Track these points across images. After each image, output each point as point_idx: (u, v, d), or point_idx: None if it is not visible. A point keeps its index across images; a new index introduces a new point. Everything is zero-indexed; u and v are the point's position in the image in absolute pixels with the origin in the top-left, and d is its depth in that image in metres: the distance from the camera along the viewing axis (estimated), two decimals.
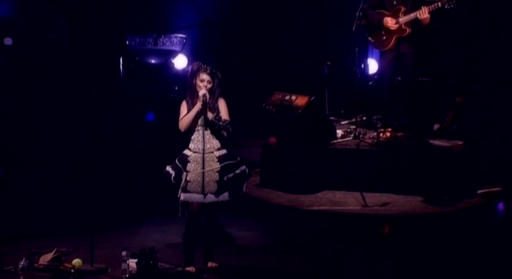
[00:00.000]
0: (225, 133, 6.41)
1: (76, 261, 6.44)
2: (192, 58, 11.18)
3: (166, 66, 11.43)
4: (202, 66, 6.45)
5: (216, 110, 6.41)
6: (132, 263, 6.24)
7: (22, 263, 6.37)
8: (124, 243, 6.91)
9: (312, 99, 8.95)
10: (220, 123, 6.33)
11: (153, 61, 11.40)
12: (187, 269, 6.38)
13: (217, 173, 6.38)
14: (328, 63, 10.80)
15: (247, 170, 6.48)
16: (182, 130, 6.43)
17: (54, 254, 6.47)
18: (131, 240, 7.25)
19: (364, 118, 10.00)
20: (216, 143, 6.45)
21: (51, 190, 8.96)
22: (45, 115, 10.88)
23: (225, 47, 11.79)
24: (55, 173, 9.52)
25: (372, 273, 6.39)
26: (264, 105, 9.14)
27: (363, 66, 10.05)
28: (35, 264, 6.40)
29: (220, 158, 6.41)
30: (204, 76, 6.41)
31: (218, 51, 11.53)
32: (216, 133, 6.42)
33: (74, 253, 6.74)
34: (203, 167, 6.38)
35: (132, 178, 9.39)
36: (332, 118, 10.04)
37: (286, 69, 11.70)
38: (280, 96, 9.11)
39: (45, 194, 8.84)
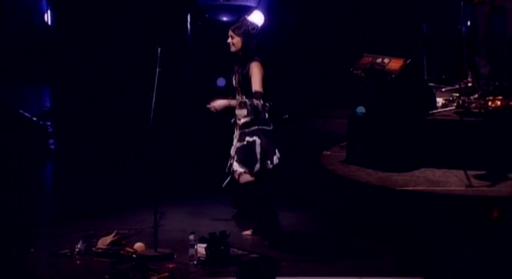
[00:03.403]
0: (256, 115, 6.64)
1: (138, 246, 6.53)
2: (269, 15, 11.14)
3: None
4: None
5: (244, 77, 6.59)
6: (201, 248, 6.29)
7: (79, 246, 6.48)
8: (192, 226, 6.97)
9: (407, 62, 8.82)
10: (249, 108, 6.57)
11: (224, 18, 11.41)
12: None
13: (237, 142, 6.73)
14: (428, 19, 10.61)
15: (257, 141, 6.60)
16: None
17: (113, 236, 6.56)
18: (200, 223, 7.31)
19: (470, 84, 9.81)
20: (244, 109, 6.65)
21: (111, 164, 9.12)
22: (103, 80, 11.07)
23: (309, 2, 11.70)
24: (115, 143, 9.68)
25: (477, 265, 6.29)
26: (351, 69, 9.06)
27: (469, 22, 9.83)
28: (93, 248, 6.51)
29: (242, 126, 6.68)
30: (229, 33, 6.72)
31: (301, 7, 11.46)
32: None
33: (136, 236, 6.85)
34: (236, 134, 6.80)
35: (202, 151, 9.46)
36: (431, 84, 9.88)
37: (377, 27, 11.54)
38: (370, 59, 9.00)
39: (105, 169, 9.00)
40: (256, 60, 6.62)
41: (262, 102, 6.55)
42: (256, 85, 6.57)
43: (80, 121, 10.58)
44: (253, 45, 6.67)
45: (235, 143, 6.75)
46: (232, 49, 6.72)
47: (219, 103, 6.73)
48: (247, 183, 6.73)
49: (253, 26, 6.68)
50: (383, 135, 8.71)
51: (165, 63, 6.60)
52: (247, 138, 6.65)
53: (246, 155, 6.65)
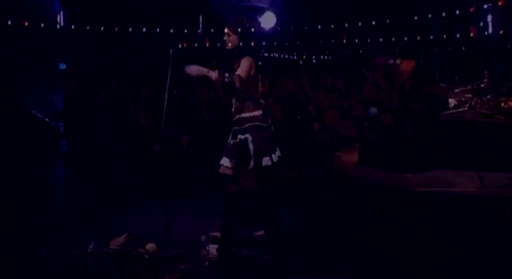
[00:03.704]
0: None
1: (150, 246, 6.54)
2: (281, 17, 11.15)
3: None
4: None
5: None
6: (213, 249, 6.31)
7: (91, 247, 6.50)
8: (203, 227, 6.98)
9: (419, 63, 8.81)
10: (226, 80, 6.40)
11: None
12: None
13: (231, 139, 6.60)
14: (440, 20, 10.60)
15: (249, 138, 6.49)
16: None
17: (125, 237, 6.59)
18: (211, 224, 7.31)
19: (483, 85, 9.80)
20: (238, 105, 6.57)
21: (123, 165, 9.13)
22: (116, 81, 11.09)
23: (321, 3, 11.70)
24: (127, 144, 9.69)
25: (489, 265, 6.28)
26: (363, 70, 9.06)
27: (481, 24, 9.83)
28: (105, 249, 6.54)
29: (235, 123, 6.58)
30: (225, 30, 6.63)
31: (313, 8, 11.45)
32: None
33: (148, 237, 6.85)
34: None
35: (213, 151, 9.47)
36: (443, 85, 9.87)
37: (390, 28, 11.53)
38: (382, 60, 9.00)
39: (116, 170, 9.01)
40: (249, 55, 6.53)
41: (238, 83, 6.38)
42: (241, 71, 6.43)
43: (91, 122, 10.60)
44: (250, 43, 6.58)
45: (229, 140, 6.63)
46: (228, 46, 6.62)
47: (196, 68, 6.52)
48: (225, 175, 6.64)
49: (250, 24, 6.58)
50: (395, 136, 8.70)
51: (177, 64, 6.61)
52: (239, 136, 6.56)
53: (240, 152, 6.56)
